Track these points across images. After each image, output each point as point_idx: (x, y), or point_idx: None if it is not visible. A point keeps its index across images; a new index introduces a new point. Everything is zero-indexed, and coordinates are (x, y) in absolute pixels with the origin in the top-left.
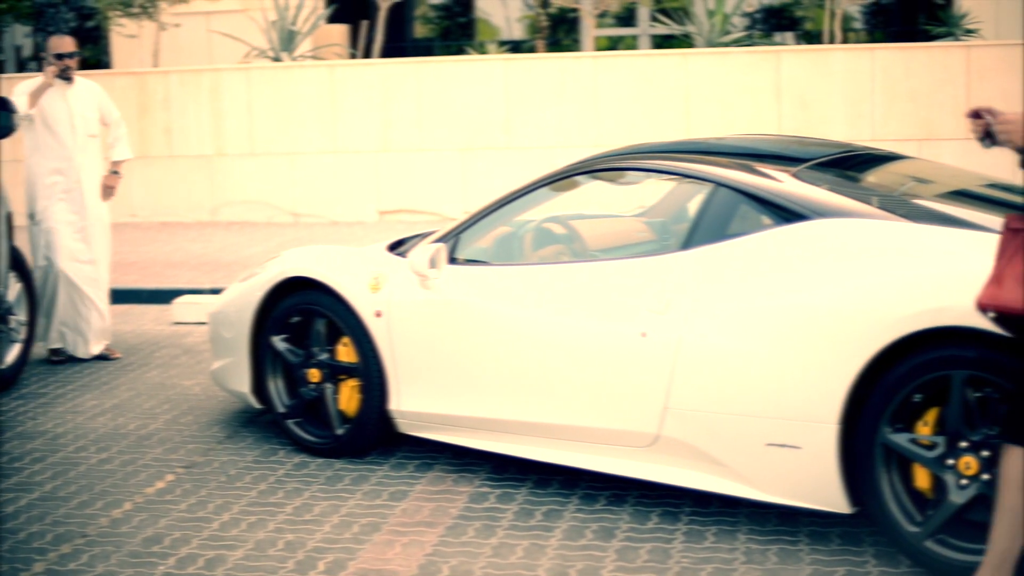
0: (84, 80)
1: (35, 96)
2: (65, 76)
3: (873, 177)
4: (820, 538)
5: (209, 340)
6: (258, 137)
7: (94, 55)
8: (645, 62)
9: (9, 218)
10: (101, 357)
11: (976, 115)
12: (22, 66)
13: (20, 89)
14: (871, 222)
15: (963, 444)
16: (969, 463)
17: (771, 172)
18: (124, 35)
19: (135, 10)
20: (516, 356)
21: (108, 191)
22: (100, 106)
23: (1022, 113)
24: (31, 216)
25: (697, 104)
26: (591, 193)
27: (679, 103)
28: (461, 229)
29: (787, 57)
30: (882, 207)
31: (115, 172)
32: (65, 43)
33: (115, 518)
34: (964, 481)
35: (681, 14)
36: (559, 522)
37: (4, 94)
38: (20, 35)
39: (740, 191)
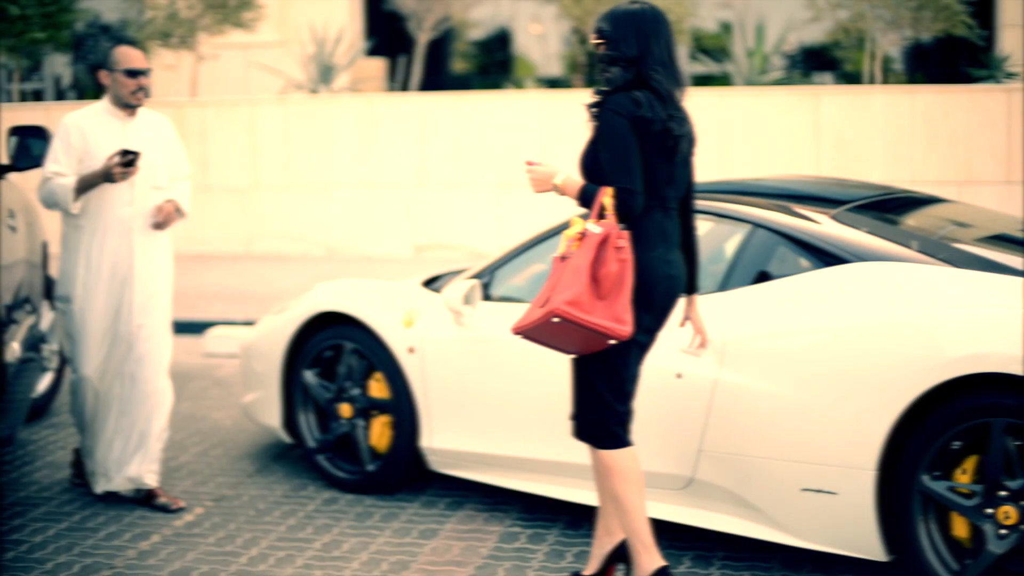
0: (149, 112)
1: (86, 185)
2: (134, 103)
3: (913, 220)
4: None
5: (241, 373)
6: (294, 169)
7: None
8: None
9: (44, 247)
10: (150, 499)
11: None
12: (61, 95)
13: (73, 122)
14: (910, 266)
15: (1002, 493)
16: (1008, 512)
17: (810, 214)
18: (163, 66)
19: (174, 41)
20: (550, 395)
21: (162, 217)
22: (170, 150)
23: (546, 166)
24: (62, 299)
25: (735, 144)
26: None
27: (717, 142)
28: (496, 266)
29: (826, 97)
30: (922, 251)
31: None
32: (137, 57)
33: (143, 550)
34: (1003, 531)
35: (720, 53)
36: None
37: (45, 123)
38: (59, 64)
39: (778, 232)
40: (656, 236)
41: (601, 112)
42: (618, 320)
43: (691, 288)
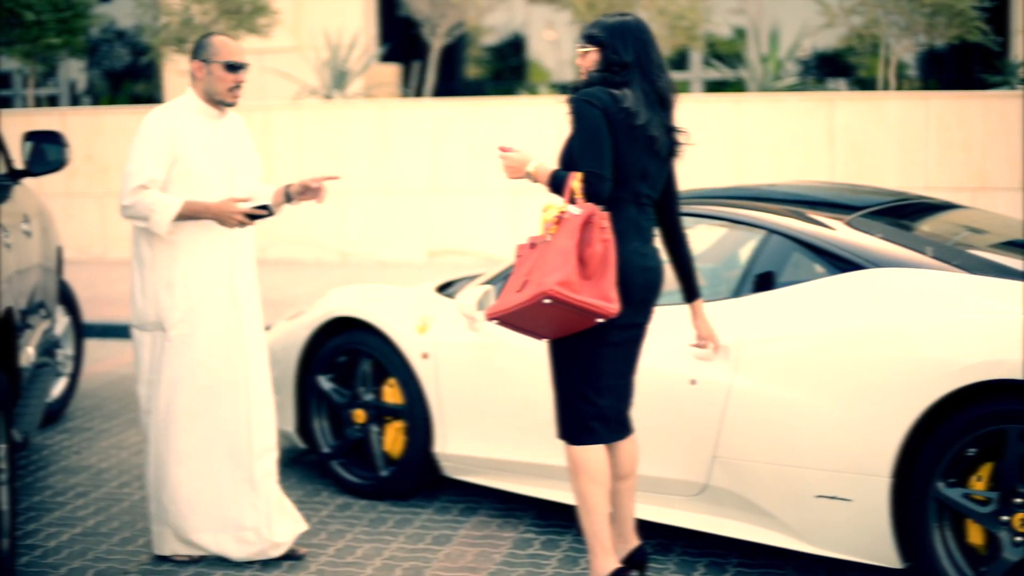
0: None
1: (190, 215)
2: (230, 100)
3: (927, 226)
4: None
5: None
6: (307, 175)
7: (147, 91)
8: (697, 106)
9: (59, 252)
10: (289, 556)
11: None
12: (76, 101)
13: (164, 122)
14: (925, 272)
15: (1018, 500)
16: None
17: (824, 220)
18: (177, 71)
19: (188, 47)
20: None
21: (314, 192)
22: (252, 150)
23: (519, 152)
24: (143, 327)
25: (749, 149)
26: None
27: (731, 148)
28: (510, 271)
29: (841, 103)
30: (936, 257)
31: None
32: (238, 49)
33: (157, 555)
34: (1019, 538)
35: (734, 59)
36: None
37: (60, 129)
38: (74, 70)
39: (793, 238)
40: (631, 230)
41: (575, 101)
42: (605, 298)
43: (691, 296)
